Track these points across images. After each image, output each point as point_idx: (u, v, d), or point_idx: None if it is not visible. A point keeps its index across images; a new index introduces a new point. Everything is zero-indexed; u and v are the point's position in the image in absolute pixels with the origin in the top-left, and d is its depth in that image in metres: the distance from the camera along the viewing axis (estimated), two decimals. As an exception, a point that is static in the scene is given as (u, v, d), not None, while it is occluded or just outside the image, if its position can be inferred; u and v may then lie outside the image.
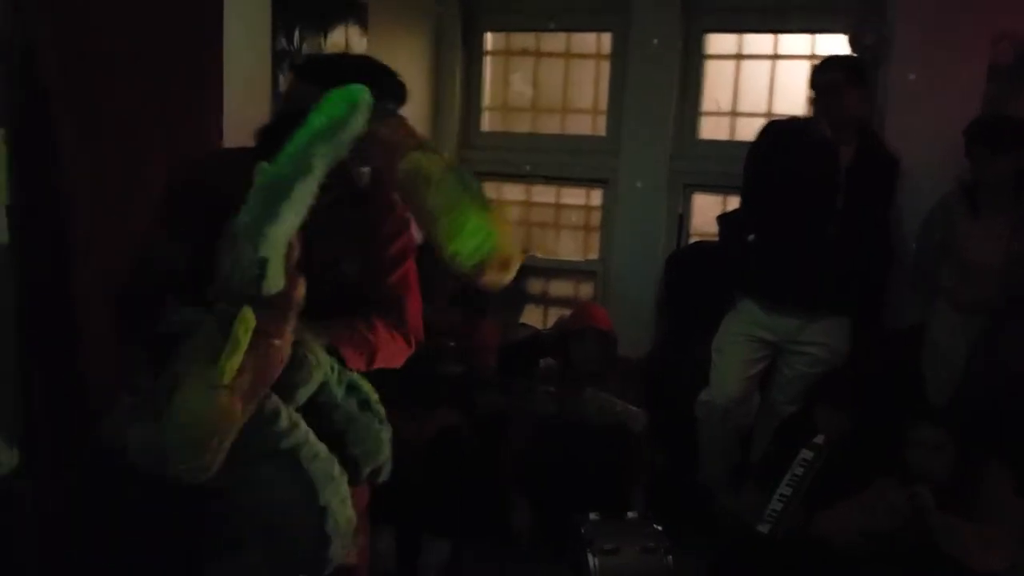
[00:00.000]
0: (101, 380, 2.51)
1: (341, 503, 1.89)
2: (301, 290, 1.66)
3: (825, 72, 3.42)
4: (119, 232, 2.38)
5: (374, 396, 1.99)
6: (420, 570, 3.24)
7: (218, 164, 2.09)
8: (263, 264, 1.58)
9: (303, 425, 1.82)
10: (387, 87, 1.95)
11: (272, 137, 1.83)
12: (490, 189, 4.76)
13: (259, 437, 1.76)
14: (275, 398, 1.75)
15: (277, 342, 1.66)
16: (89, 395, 2.50)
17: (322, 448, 1.87)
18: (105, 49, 2.45)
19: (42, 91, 2.25)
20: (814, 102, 3.43)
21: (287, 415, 1.83)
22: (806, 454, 3.05)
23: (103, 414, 2.45)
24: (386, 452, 2.01)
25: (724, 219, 3.83)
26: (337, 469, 1.89)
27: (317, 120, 1.60)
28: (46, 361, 2.35)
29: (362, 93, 1.60)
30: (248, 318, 1.60)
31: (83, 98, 2.37)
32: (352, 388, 1.97)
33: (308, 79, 1.98)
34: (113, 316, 2.11)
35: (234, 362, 1.59)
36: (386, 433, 1.99)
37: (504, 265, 1.80)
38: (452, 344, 3.46)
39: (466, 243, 1.72)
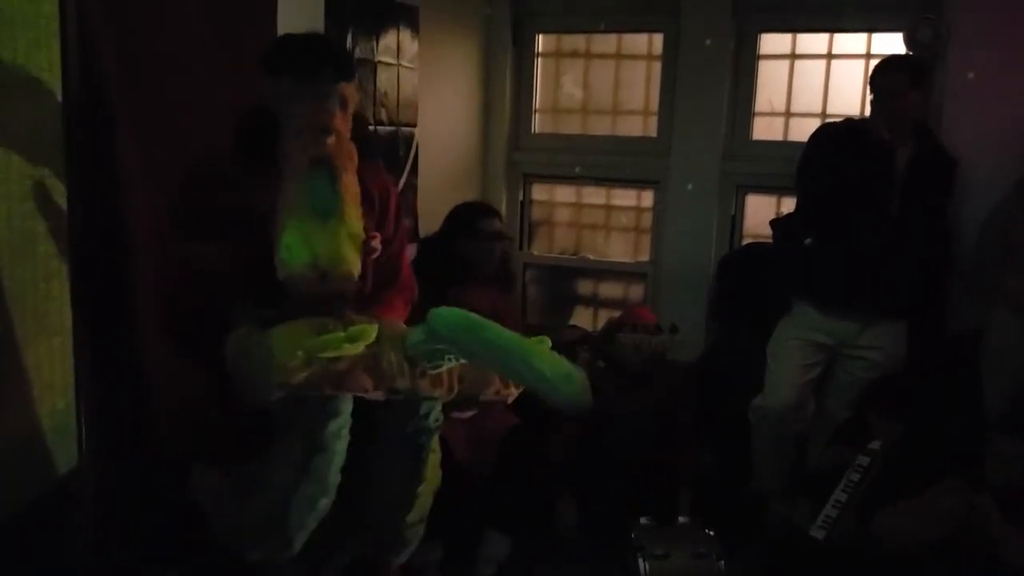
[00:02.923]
0: (159, 379, 2.56)
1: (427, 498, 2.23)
2: None
3: (885, 73, 3.35)
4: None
5: None
6: (479, 564, 3.23)
7: (220, 166, 2.17)
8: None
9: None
10: (342, 62, 2.12)
11: (248, 136, 1.99)
12: (541, 191, 4.77)
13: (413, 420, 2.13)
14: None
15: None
16: (148, 395, 2.55)
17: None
18: (161, 50, 2.50)
19: (103, 98, 2.31)
20: (872, 103, 3.37)
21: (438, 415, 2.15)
22: (862, 460, 3.01)
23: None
24: None
25: (777, 224, 3.78)
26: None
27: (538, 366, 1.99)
28: (103, 361, 2.39)
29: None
30: (370, 332, 1.90)
31: (139, 100, 2.42)
32: None
33: (270, 70, 2.07)
34: (168, 330, 2.18)
35: (331, 347, 1.85)
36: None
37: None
38: None
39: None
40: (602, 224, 4.81)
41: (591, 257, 4.79)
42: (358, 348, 1.92)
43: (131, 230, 2.42)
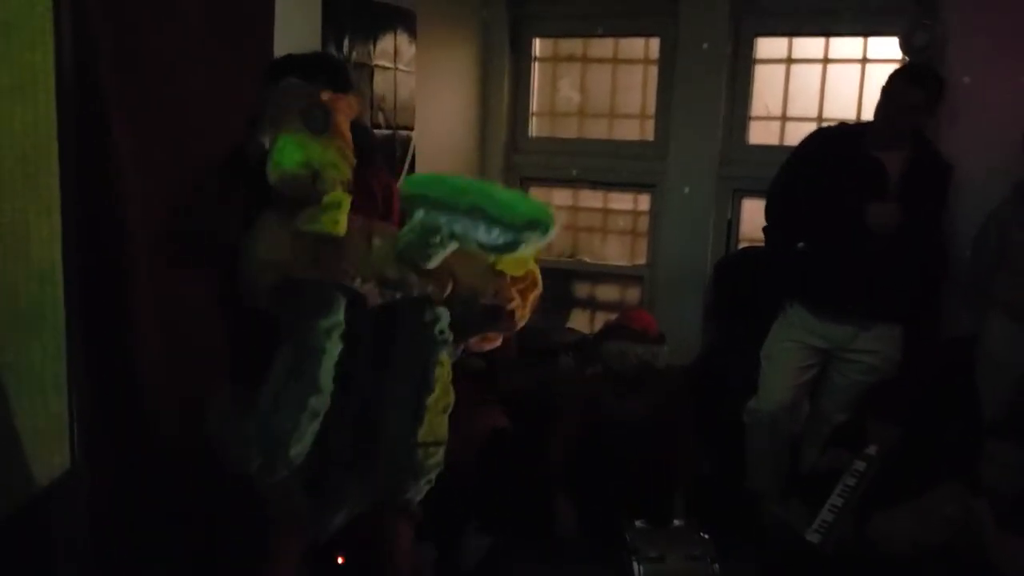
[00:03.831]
0: (154, 381, 2.56)
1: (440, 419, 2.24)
2: None
3: (912, 84, 3.29)
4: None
5: None
6: (461, 556, 3.30)
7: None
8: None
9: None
10: (339, 73, 2.22)
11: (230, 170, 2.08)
12: (538, 194, 4.78)
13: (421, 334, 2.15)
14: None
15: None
16: (142, 396, 2.55)
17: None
18: (159, 53, 2.51)
19: (98, 96, 2.31)
20: (883, 107, 3.33)
21: (447, 322, 2.17)
22: (858, 464, 3.03)
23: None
24: None
25: (770, 229, 3.77)
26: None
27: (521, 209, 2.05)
28: (98, 363, 2.39)
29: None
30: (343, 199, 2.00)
31: (138, 104, 2.43)
32: None
33: (270, 79, 2.14)
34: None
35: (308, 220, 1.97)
36: None
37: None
38: None
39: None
40: (599, 227, 4.81)
41: (588, 260, 4.80)
42: (336, 218, 2.01)
43: (126, 230, 2.42)
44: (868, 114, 3.55)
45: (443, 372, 2.24)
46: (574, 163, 4.63)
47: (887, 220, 3.23)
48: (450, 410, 2.28)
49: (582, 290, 4.88)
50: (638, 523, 3.07)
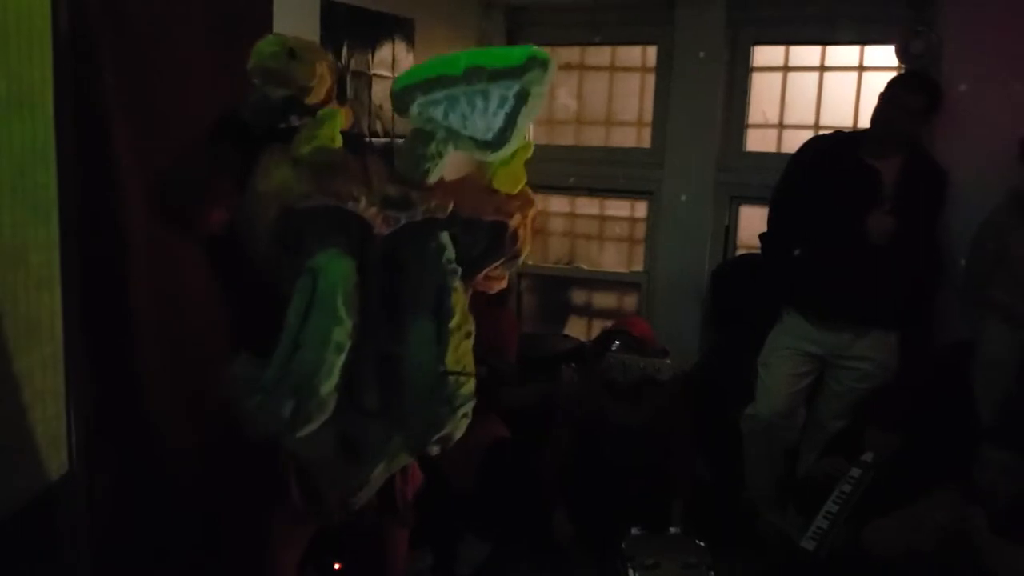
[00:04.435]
0: (154, 382, 2.58)
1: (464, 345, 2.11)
2: None
3: (910, 91, 3.33)
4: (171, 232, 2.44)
5: None
6: (458, 564, 3.32)
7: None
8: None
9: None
10: None
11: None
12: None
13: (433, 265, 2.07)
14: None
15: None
16: (142, 400, 2.56)
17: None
18: (159, 64, 2.53)
19: (98, 104, 2.33)
20: (881, 113, 3.36)
21: (453, 252, 2.09)
22: (854, 472, 3.03)
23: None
24: None
25: (766, 236, 3.78)
26: None
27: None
28: (98, 364, 2.41)
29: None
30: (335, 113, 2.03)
31: (137, 111, 2.45)
32: None
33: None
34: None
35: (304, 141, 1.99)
36: None
37: None
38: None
39: None
40: (596, 234, 4.82)
41: (585, 267, 4.81)
42: (332, 133, 2.03)
43: (125, 236, 2.44)
44: (865, 122, 3.56)
45: (459, 298, 2.12)
46: (571, 170, 4.64)
47: (884, 230, 3.24)
48: (472, 337, 2.14)
49: (579, 297, 4.89)
50: (634, 530, 3.07)
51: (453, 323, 2.08)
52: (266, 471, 2.42)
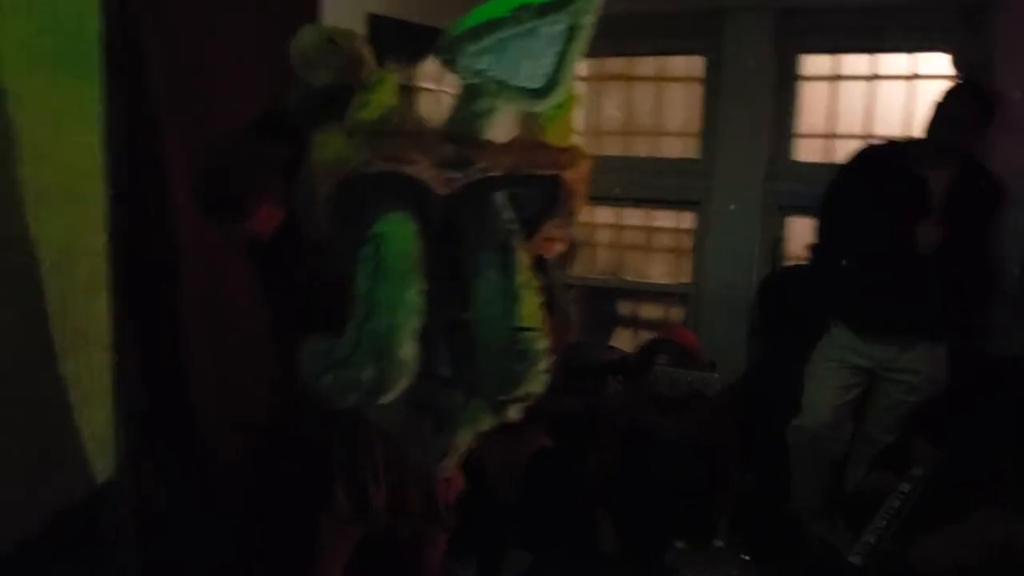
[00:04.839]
0: (201, 387, 2.62)
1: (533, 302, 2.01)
2: None
3: (964, 99, 3.26)
4: (215, 236, 2.48)
5: None
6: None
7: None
8: None
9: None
10: None
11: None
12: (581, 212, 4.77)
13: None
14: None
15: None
16: (189, 398, 2.61)
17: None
18: (209, 71, 2.58)
19: (148, 108, 2.38)
20: (934, 121, 3.28)
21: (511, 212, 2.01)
22: (903, 486, 2.97)
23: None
24: None
25: (814, 247, 3.73)
26: None
27: None
28: (144, 365, 2.45)
29: None
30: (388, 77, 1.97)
31: (188, 117, 2.50)
32: None
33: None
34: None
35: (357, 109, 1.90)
36: None
37: None
38: None
39: None
40: (643, 245, 4.80)
41: (631, 278, 4.79)
42: (384, 97, 1.96)
43: (175, 243, 2.49)
44: (917, 131, 3.50)
45: (522, 256, 2.05)
46: (617, 181, 4.63)
47: (932, 240, 3.18)
48: (541, 296, 2.09)
49: (625, 308, 4.87)
50: (678, 544, 3.05)
51: (519, 280, 2.02)
52: (313, 475, 2.45)
